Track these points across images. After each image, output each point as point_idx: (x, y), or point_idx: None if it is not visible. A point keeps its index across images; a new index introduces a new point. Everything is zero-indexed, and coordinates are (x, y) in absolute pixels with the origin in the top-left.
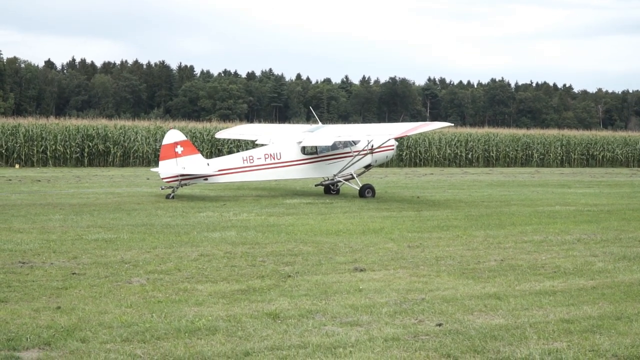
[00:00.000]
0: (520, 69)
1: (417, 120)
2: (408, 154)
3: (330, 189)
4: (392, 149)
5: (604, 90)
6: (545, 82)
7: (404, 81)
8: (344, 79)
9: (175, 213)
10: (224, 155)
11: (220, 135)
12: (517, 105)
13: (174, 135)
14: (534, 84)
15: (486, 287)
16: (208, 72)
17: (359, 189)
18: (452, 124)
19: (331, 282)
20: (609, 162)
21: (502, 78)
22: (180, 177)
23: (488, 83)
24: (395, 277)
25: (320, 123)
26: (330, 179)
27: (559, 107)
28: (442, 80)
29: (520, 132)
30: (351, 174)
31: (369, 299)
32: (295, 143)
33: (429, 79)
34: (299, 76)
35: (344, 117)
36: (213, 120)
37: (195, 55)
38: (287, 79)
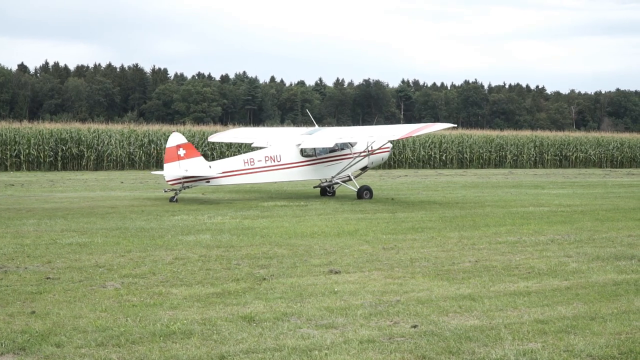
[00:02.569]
0: (493, 70)
1: (391, 122)
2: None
3: (327, 190)
4: (388, 151)
5: (576, 91)
6: (518, 84)
7: (377, 83)
8: (318, 82)
9: (150, 217)
10: (219, 158)
11: (213, 138)
12: (491, 107)
13: (176, 139)
14: (507, 86)
15: (461, 289)
16: (182, 75)
17: (356, 190)
18: (455, 125)
19: (306, 284)
20: (582, 162)
21: (476, 80)
22: (183, 180)
23: (461, 85)
24: (370, 279)
25: (316, 126)
26: (328, 180)
27: (532, 108)
28: (416, 82)
29: (493, 133)
30: (348, 176)
31: (344, 301)
32: (294, 145)
33: (403, 81)
34: (272, 79)
35: (318, 120)
36: (187, 123)
37: (169, 58)
38: (261, 81)
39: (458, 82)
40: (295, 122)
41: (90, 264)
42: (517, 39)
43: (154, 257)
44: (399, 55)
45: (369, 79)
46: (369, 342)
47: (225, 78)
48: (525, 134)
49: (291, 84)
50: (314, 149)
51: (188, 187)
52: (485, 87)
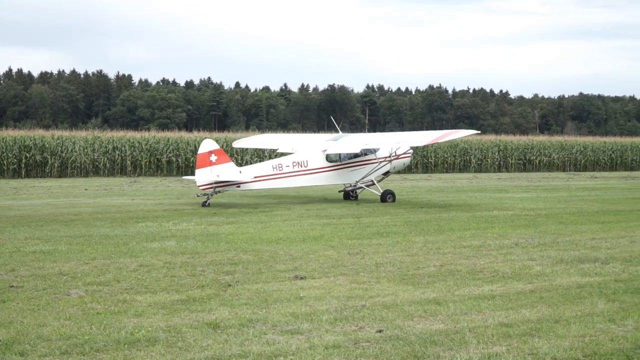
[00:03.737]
0: (457, 75)
1: (357, 127)
2: None
3: (350, 194)
4: (409, 157)
5: (540, 95)
6: (482, 89)
7: (342, 88)
8: (283, 87)
9: (114, 224)
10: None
11: (238, 144)
12: (455, 112)
13: (208, 145)
14: (471, 90)
15: (426, 293)
16: (146, 81)
17: (380, 194)
18: (479, 132)
19: (271, 290)
20: (546, 166)
21: (440, 84)
22: (214, 185)
23: (426, 89)
24: (336, 284)
25: (340, 132)
26: (352, 185)
27: (496, 112)
28: (381, 87)
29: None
30: (372, 181)
31: (310, 307)
32: (320, 151)
33: (368, 86)
34: (237, 84)
35: (283, 125)
36: (151, 129)
37: (133, 64)
38: (226, 87)
39: (422, 87)
40: (261, 128)
41: (54, 272)
42: (481, 44)
43: (118, 264)
44: (364, 61)
45: (334, 84)
46: (335, 348)
47: (189, 84)
48: (490, 138)
49: (256, 90)
50: (339, 154)
51: (219, 191)
52: (450, 92)
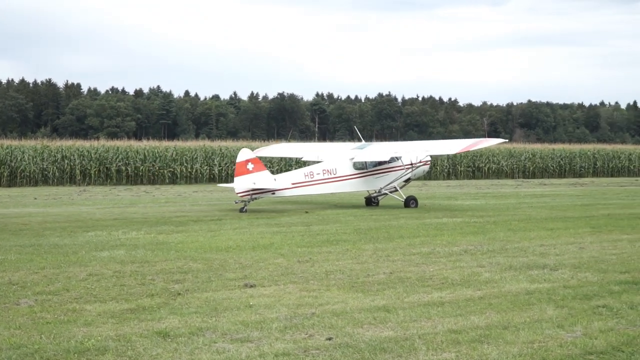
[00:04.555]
0: (406, 83)
1: (306, 136)
2: (297, 169)
3: (372, 201)
4: (429, 164)
5: (488, 103)
6: (431, 96)
7: (292, 97)
8: (233, 96)
9: (64, 233)
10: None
11: (260, 152)
12: (404, 119)
13: (245, 154)
14: (420, 98)
15: (375, 300)
16: (95, 89)
17: (403, 200)
18: (507, 140)
19: (221, 298)
20: (495, 173)
21: (389, 92)
22: (251, 192)
23: (375, 97)
24: (286, 292)
25: (363, 141)
26: (377, 191)
27: (445, 120)
28: (330, 96)
29: None
30: (395, 187)
31: (259, 315)
32: (347, 159)
33: (317, 94)
34: (187, 93)
35: (233, 134)
36: (101, 138)
37: (82, 73)
38: (176, 95)
39: (372, 95)
40: (210, 137)
41: (3, 282)
42: (430, 52)
43: (68, 273)
44: (313, 69)
45: (284, 92)
46: (284, 356)
47: (139, 92)
48: None
49: (206, 98)
50: (365, 162)
51: (255, 198)
52: (399, 100)
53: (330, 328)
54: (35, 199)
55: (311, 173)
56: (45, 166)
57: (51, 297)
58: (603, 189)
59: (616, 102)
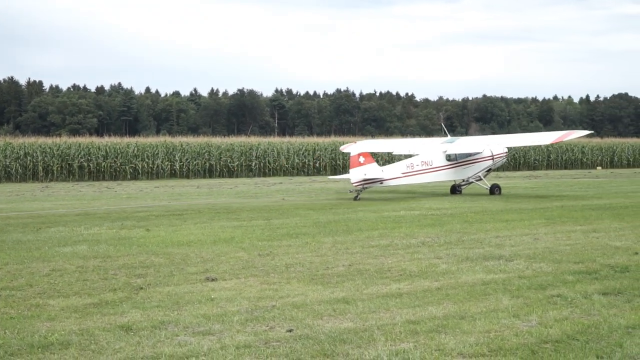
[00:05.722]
0: (364, 79)
1: (266, 131)
2: (257, 164)
3: (456, 189)
4: (505, 155)
5: (444, 98)
6: (388, 92)
7: (251, 93)
8: (193, 92)
9: (26, 229)
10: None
11: (346, 149)
12: (362, 114)
13: (357, 149)
14: (377, 94)
15: (335, 292)
16: (57, 87)
17: (488, 188)
18: (592, 131)
19: (183, 292)
20: None
21: (347, 88)
22: (363, 182)
23: (334, 93)
24: (247, 285)
25: (449, 136)
26: (465, 180)
27: (402, 115)
28: (289, 91)
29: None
30: (479, 176)
31: (221, 308)
32: (441, 152)
33: (276, 90)
34: (148, 89)
35: (194, 130)
36: (63, 135)
37: (44, 70)
38: (137, 92)
39: (330, 91)
40: (171, 133)
41: None
42: (387, 48)
43: (31, 269)
44: (272, 65)
45: (243, 88)
46: (246, 348)
47: (100, 89)
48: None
49: (166, 95)
50: (456, 154)
51: (366, 188)
52: (357, 95)
53: (291, 320)
54: None
55: (412, 165)
56: (7, 163)
57: (15, 293)
58: (557, 181)
59: (569, 96)
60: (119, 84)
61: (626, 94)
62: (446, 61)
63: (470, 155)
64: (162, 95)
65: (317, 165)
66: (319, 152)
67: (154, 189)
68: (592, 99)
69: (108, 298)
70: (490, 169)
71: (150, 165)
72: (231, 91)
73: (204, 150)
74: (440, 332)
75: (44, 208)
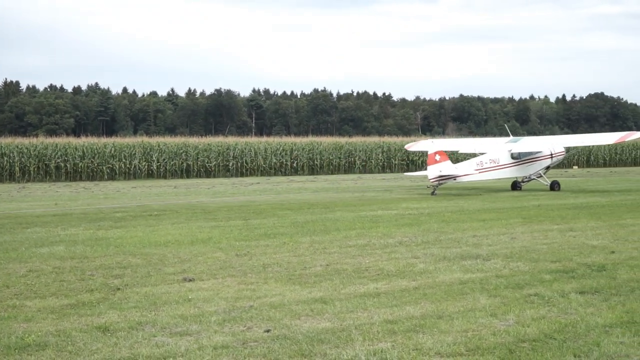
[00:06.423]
0: (341, 79)
1: (243, 131)
2: (234, 164)
3: (517, 185)
4: (563, 154)
5: (421, 97)
6: (365, 92)
7: (229, 93)
8: (170, 92)
9: (3, 229)
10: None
11: (411, 148)
12: (340, 114)
13: (434, 147)
14: (355, 94)
15: (312, 292)
16: (34, 87)
17: (548, 184)
18: None
19: (160, 293)
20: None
21: (325, 88)
22: (439, 178)
23: (311, 93)
24: (224, 285)
25: (511, 136)
26: (527, 177)
27: (380, 115)
28: (267, 91)
29: (342, 140)
30: (540, 173)
31: (198, 309)
32: (506, 151)
33: (254, 90)
34: (125, 90)
35: (171, 130)
36: (40, 135)
37: (20, 71)
38: (114, 92)
39: (307, 91)
40: (148, 133)
41: None
42: (364, 48)
43: (7, 270)
44: (250, 65)
45: (221, 88)
46: (223, 348)
47: (77, 90)
48: (373, 140)
49: (144, 95)
50: (519, 153)
51: (441, 184)
52: (334, 95)
53: (268, 320)
54: None
55: (481, 162)
56: None
57: None
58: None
59: (545, 96)
60: (96, 84)
61: (602, 93)
62: (423, 61)
63: (532, 154)
64: (140, 95)
65: (295, 165)
66: (296, 152)
67: (131, 189)
68: (568, 98)
69: (85, 299)
70: (549, 167)
71: (128, 166)
72: (208, 91)
73: (182, 151)
74: (418, 332)
75: (21, 208)
